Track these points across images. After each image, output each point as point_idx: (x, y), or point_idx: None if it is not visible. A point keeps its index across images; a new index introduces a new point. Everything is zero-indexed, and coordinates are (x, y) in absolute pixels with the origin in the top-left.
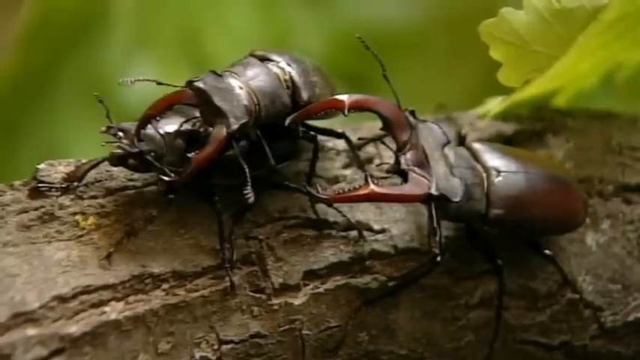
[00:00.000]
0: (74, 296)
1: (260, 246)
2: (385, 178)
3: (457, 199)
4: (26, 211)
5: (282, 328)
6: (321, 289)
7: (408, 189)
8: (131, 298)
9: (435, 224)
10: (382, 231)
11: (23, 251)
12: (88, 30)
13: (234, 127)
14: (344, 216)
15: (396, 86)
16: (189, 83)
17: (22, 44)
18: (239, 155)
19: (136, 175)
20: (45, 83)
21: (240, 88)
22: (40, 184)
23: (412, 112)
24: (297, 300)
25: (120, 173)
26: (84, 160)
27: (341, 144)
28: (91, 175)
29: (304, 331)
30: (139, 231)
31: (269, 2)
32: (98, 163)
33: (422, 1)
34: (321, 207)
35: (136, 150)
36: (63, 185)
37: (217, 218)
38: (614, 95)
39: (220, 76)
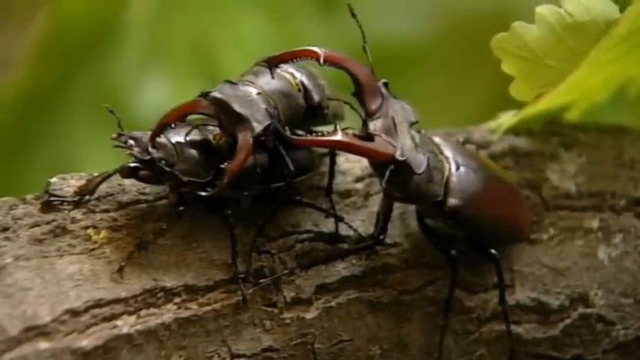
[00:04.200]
0: (86, 310)
1: (272, 260)
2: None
3: (420, 172)
4: (38, 225)
5: (294, 342)
6: (333, 303)
7: (374, 146)
8: (143, 312)
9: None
10: (394, 245)
11: (35, 265)
12: (100, 44)
13: (259, 129)
14: (355, 230)
15: (408, 100)
16: (205, 95)
17: (35, 58)
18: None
19: (148, 189)
20: (57, 97)
21: (258, 93)
22: (52, 198)
23: (385, 84)
24: (309, 314)
25: (132, 187)
26: (96, 174)
27: (352, 157)
28: (103, 188)
29: (316, 345)
30: (149, 244)
31: (281, 15)
32: (109, 176)
33: (434, 16)
34: (331, 222)
35: (148, 157)
36: (75, 199)
37: (230, 232)
38: (626, 110)
39: (235, 84)
